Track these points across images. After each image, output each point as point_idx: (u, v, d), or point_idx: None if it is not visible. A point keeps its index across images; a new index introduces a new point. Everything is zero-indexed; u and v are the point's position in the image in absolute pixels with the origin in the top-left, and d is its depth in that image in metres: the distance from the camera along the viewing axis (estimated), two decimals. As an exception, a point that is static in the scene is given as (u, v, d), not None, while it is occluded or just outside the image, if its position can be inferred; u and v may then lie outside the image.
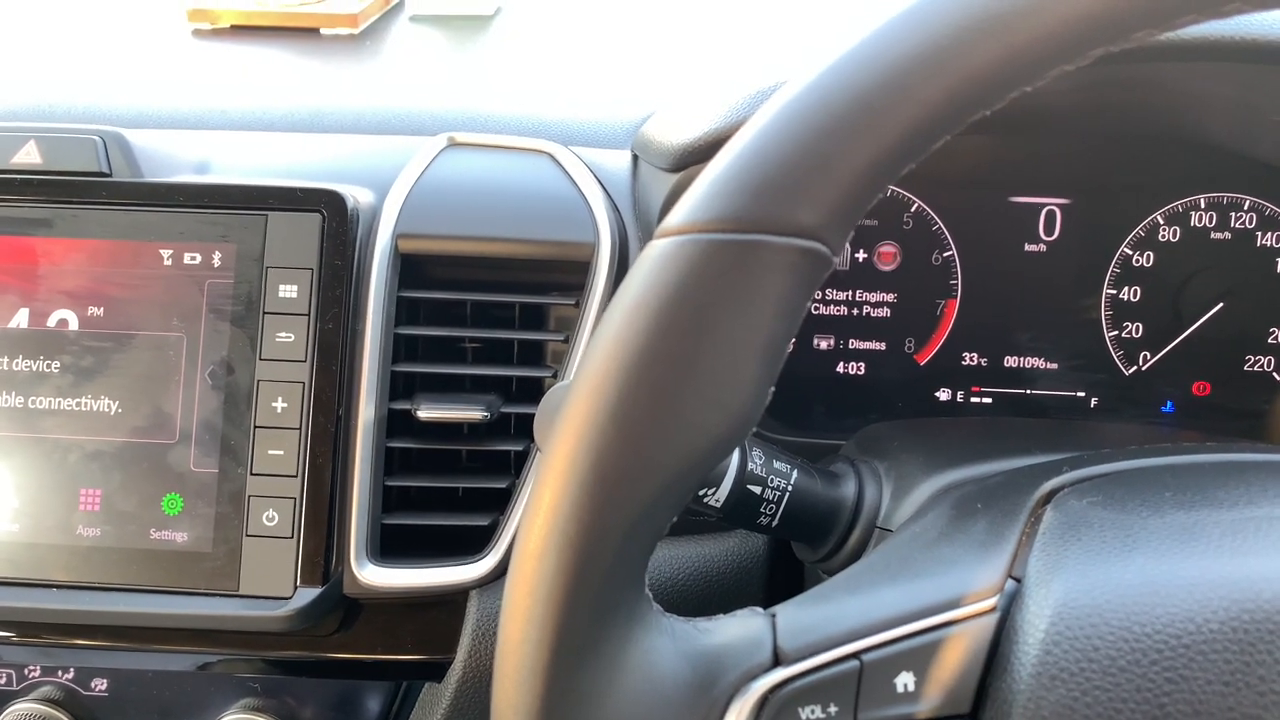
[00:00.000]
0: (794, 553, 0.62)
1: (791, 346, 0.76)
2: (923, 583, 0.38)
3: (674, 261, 0.34)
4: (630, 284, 0.35)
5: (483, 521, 0.63)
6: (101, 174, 0.62)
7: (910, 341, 0.77)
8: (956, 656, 0.36)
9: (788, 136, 0.34)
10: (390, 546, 0.63)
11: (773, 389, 0.35)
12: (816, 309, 0.77)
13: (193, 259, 0.61)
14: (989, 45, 0.33)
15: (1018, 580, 0.38)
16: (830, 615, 0.37)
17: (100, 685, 0.66)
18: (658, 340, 0.34)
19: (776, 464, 0.54)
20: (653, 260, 0.35)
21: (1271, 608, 0.34)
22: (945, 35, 0.33)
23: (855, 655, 0.36)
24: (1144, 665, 0.34)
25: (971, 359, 0.77)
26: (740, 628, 0.37)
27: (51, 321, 0.61)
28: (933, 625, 0.37)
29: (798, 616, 0.37)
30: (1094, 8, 0.33)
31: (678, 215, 0.35)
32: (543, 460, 0.35)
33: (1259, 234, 0.74)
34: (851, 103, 0.33)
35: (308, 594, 0.59)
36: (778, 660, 0.36)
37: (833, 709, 0.35)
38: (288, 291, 0.60)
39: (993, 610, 0.37)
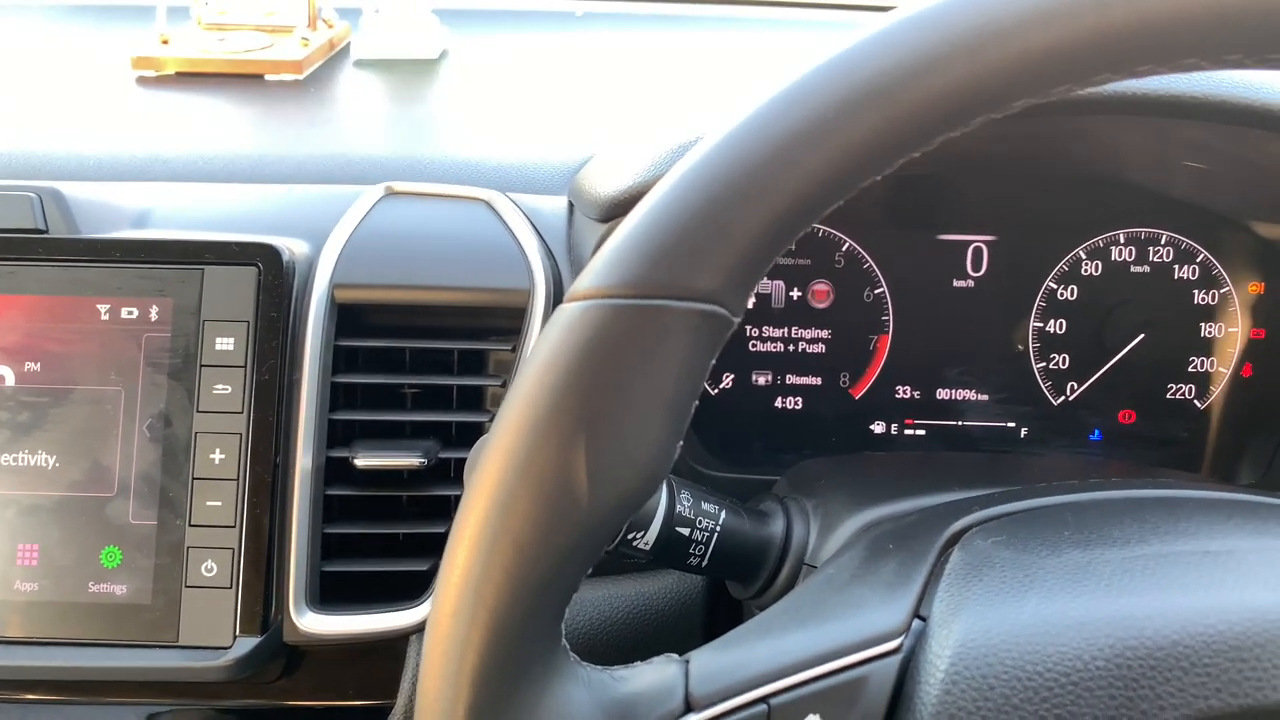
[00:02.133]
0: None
1: (729, 383, 0.78)
2: (831, 625, 0.40)
3: (580, 325, 0.35)
4: (540, 347, 0.36)
5: (422, 566, 0.64)
6: (38, 230, 0.62)
7: (845, 376, 0.79)
8: (862, 697, 0.38)
9: (686, 205, 0.35)
10: (331, 593, 0.63)
11: (681, 444, 0.37)
12: (754, 346, 0.79)
13: (130, 313, 0.62)
14: (869, 115, 0.35)
15: (924, 620, 0.40)
16: (740, 660, 0.38)
17: (40, 740, 0.66)
18: (565, 401, 0.35)
19: (704, 505, 0.56)
20: (560, 324, 0.36)
21: (1153, 644, 0.36)
22: (829, 106, 0.35)
23: (764, 699, 0.37)
24: (1035, 703, 0.36)
25: (905, 392, 0.79)
26: (654, 675, 0.38)
27: (-12, 377, 0.62)
28: (839, 667, 0.38)
29: (710, 662, 0.39)
30: (970, 79, 0.35)
31: (585, 280, 0.36)
32: (457, 516, 0.36)
33: (1176, 267, 0.77)
34: (744, 173, 0.35)
35: (247, 643, 0.59)
36: (689, 707, 0.37)
37: (742, 753, 0.37)
38: (224, 344, 0.61)
39: (898, 650, 0.39)
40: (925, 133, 0.36)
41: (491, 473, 0.35)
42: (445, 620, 0.35)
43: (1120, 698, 0.35)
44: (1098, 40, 0.34)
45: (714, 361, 0.37)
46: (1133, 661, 0.35)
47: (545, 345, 0.36)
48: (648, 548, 0.54)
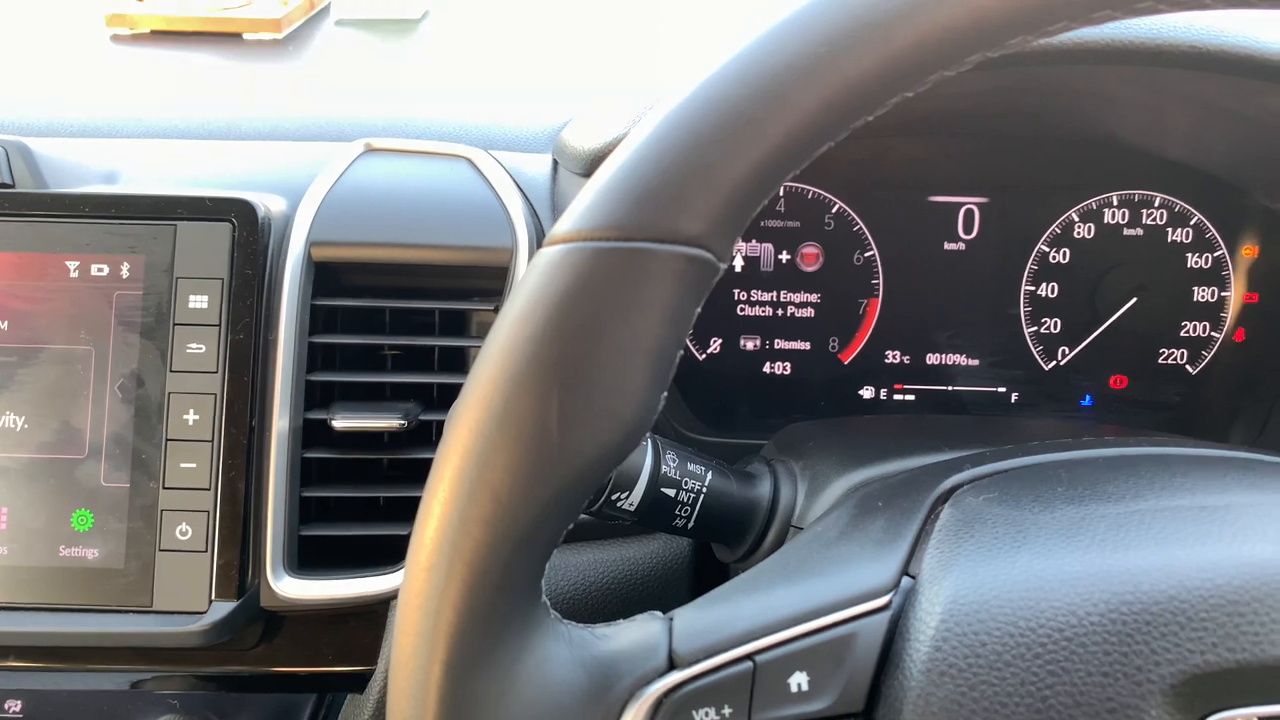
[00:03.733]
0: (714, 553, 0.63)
1: (717, 348, 0.77)
2: (818, 581, 0.39)
3: (560, 269, 0.34)
4: (518, 292, 0.35)
5: (402, 531, 0.63)
6: (4, 184, 0.60)
7: (834, 341, 0.78)
8: (850, 654, 0.37)
9: (670, 145, 0.34)
10: (310, 558, 0.62)
11: (665, 395, 0.36)
12: (743, 310, 0.77)
13: (100, 270, 0.60)
14: (866, 52, 0.33)
15: (913, 577, 0.39)
16: (725, 617, 0.37)
17: (14, 707, 0.64)
18: (544, 348, 0.34)
19: (691, 466, 0.55)
20: (540, 269, 0.35)
21: (1149, 599, 0.35)
22: (823, 43, 0.33)
23: (749, 656, 0.36)
24: (1028, 659, 0.35)
25: (894, 357, 0.78)
26: (637, 632, 0.37)
27: (-45, 336, 0.60)
28: (826, 625, 0.37)
29: (694, 619, 0.38)
30: (967, 15, 0.33)
31: (565, 223, 0.35)
32: (432, 469, 0.35)
33: (1169, 230, 0.76)
34: (732, 112, 0.34)
35: (223, 608, 0.58)
36: (673, 664, 0.36)
37: (727, 710, 0.36)
38: (198, 302, 0.59)
39: (886, 608, 0.38)
40: (921, 70, 0.34)
41: (468, 422, 0.34)
42: (420, 575, 0.34)
43: (1115, 653, 0.34)
44: None
45: (699, 309, 0.36)
46: (1128, 616, 0.35)
47: (523, 290, 0.35)
48: (633, 509, 0.52)
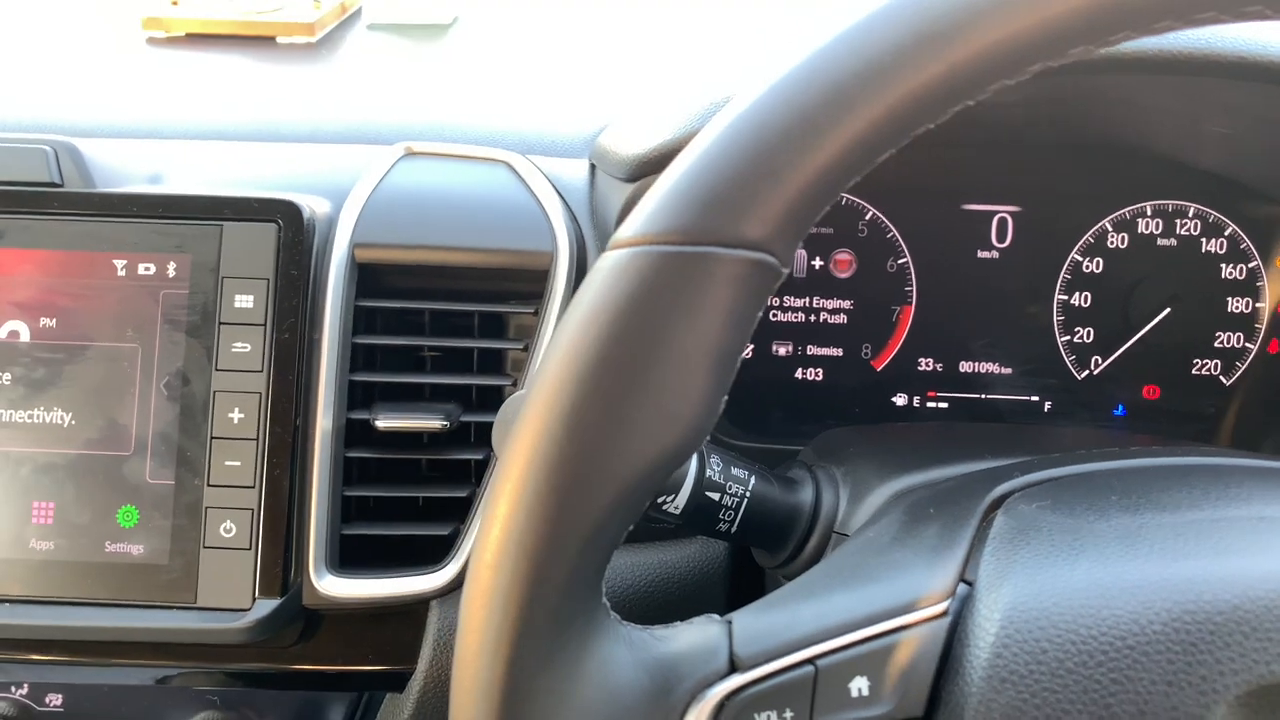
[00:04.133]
0: (754, 558, 0.63)
1: (749, 353, 0.77)
2: (876, 587, 0.39)
3: (626, 273, 0.34)
4: (583, 295, 0.35)
5: (443, 531, 0.63)
6: (53, 184, 0.61)
7: (867, 347, 0.78)
8: (910, 660, 0.37)
9: (736, 150, 0.34)
10: (350, 556, 0.62)
11: (726, 399, 0.36)
12: (775, 316, 0.78)
13: (147, 269, 0.60)
14: (930, 61, 0.33)
15: (969, 584, 0.39)
16: (785, 621, 0.38)
17: (55, 701, 0.65)
18: (610, 350, 0.34)
19: (734, 470, 0.55)
20: (605, 272, 0.35)
21: (1212, 609, 0.35)
22: (888, 51, 0.34)
23: (810, 661, 0.36)
24: (1090, 667, 0.35)
25: (927, 364, 0.78)
26: (696, 635, 0.38)
27: (2, 333, 0.60)
28: (886, 630, 0.37)
29: (753, 623, 0.38)
30: (1033, 25, 0.34)
31: (630, 227, 0.35)
32: (498, 470, 0.35)
33: (1203, 240, 0.76)
34: (797, 117, 0.34)
35: (266, 605, 0.58)
36: (734, 667, 0.36)
37: (788, 714, 0.36)
38: (244, 301, 0.60)
39: (945, 614, 0.38)
40: (983, 79, 0.35)
41: (534, 423, 0.34)
42: (486, 573, 0.34)
43: (1179, 662, 0.34)
44: None
45: (761, 313, 0.36)
46: (1191, 626, 0.35)
47: (589, 293, 0.35)
48: (678, 512, 0.53)
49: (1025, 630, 0.36)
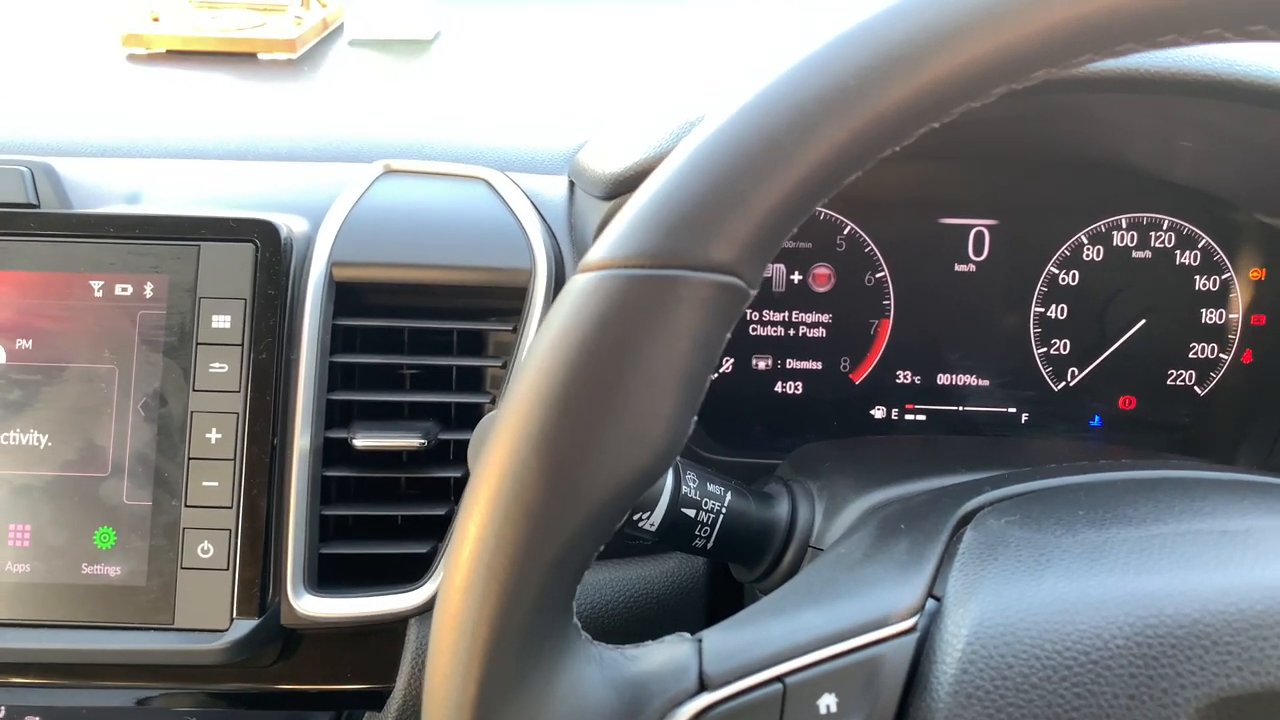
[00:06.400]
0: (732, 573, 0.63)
1: (729, 367, 0.77)
2: (845, 604, 0.39)
3: (594, 296, 0.35)
4: (553, 317, 0.36)
5: (422, 549, 0.63)
6: (29, 205, 0.61)
7: (845, 361, 0.79)
8: (878, 677, 0.37)
9: (702, 174, 0.35)
10: (329, 576, 0.62)
11: (695, 419, 0.36)
12: (754, 330, 0.78)
13: (124, 290, 0.61)
14: (895, 84, 0.34)
15: (938, 599, 0.39)
16: (754, 639, 0.38)
17: (32, 723, 0.65)
18: (579, 373, 0.34)
19: (710, 486, 0.55)
20: (574, 295, 0.35)
21: (1174, 622, 0.35)
22: (852, 74, 0.34)
23: (779, 678, 0.37)
24: (1054, 682, 0.35)
25: (905, 377, 0.79)
26: (667, 654, 0.38)
27: (-21, 355, 0.61)
28: (854, 646, 0.37)
29: (723, 641, 0.38)
30: (992, 50, 0.34)
31: (598, 250, 0.36)
32: (468, 492, 0.35)
33: (1177, 252, 0.77)
34: (762, 141, 0.34)
35: (244, 626, 0.58)
36: (703, 685, 0.37)
37: (757, 732, 0.36)
38: (221, 322, 0.60)
39: (913, 630, 0.38)
40: (948, 102, 0.35)
41: (504, 446, 0.35)
42: (456, 596, 0.35)
43: (1141, 676, 0.35)
44: (1126, 9, 0.33)
45: (729, 335, 0.36)
46: (1153, 640, 0.35)
47: (558, 316, 0.35)
48: (653, 529, 0.53)
49: (991, 646, 0.36)
